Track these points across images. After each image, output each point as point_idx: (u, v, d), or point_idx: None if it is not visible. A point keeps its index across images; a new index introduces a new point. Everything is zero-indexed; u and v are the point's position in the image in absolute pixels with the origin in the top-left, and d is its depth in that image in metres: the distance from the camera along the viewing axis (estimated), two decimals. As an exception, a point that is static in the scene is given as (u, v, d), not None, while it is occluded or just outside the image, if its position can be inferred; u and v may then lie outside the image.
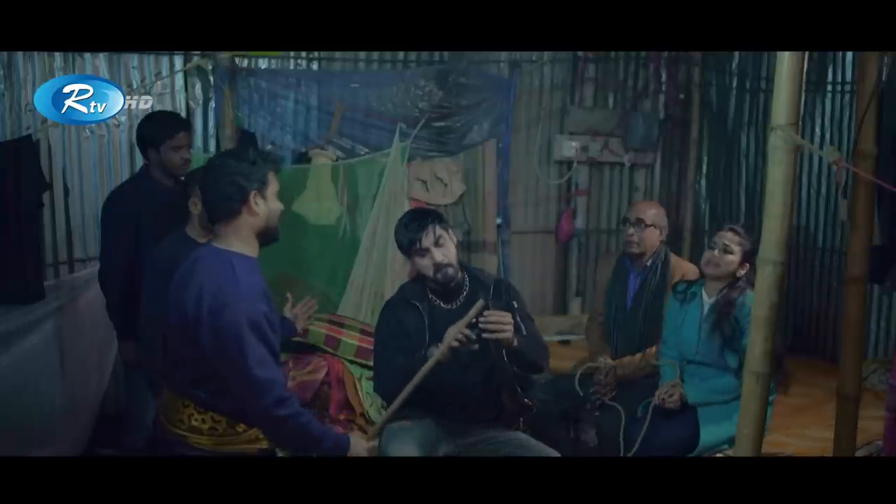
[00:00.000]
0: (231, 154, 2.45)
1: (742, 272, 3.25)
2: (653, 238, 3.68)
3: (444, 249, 2.90)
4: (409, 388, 2.59)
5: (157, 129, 3.49)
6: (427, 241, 2.88)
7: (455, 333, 2.65)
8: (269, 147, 4.77)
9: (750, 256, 3.24)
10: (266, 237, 2.40)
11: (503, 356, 2.88)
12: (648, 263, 3.68)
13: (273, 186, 2.38)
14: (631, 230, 3.67)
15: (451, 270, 2.91)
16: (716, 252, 3.27)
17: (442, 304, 2.99)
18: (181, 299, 2.30)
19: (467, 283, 3.02)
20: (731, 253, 3.25)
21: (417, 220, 2.92)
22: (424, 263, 2.91)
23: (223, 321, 2.21)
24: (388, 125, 4.75)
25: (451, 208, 5.13)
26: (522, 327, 2.87)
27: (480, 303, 2.70)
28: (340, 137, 4.83)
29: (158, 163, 3.51)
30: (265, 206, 2.35)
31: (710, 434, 3.22)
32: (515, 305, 2.96)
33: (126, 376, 3.83)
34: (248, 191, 2.31)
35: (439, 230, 2.90)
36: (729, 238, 3.27)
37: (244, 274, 2.28)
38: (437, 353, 2.63)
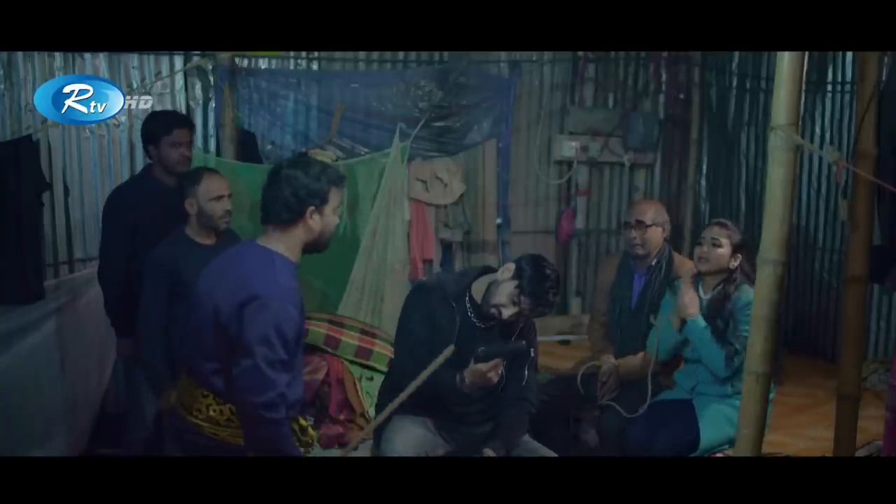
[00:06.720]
0: (297, 165, 2.34)
1: (734, 263, 3.26)
2: (656, 237, 3.65)
3: (513, 311, 2.86)
4: (409, 389, 2.57)
5: (155, 126, 3.48)
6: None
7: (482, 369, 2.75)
8: (269, 147, 4.77)
9: (740, 248, 3.25)
10: (313, 248, 2.39)
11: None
12: (653, 263, 3.65)
13: (333, 202, 2.35)
14: (633, 233, 3.62)
15: (497, 316, 2.88)
16: (704, 247, 3.28)
17: (475, 319, 2.96)
18: (213, 290, 2.29)
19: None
20: (719, 246, 3.26)
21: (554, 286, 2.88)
22: (501, 300, 2.85)
23: (253, 314, 2.20)
24: (388, 125, 4.75)
25: (451, 208, 5.14)
26: (526, 374, 3.00)
27: (522, 345, 2.90)
28: (340, 137, 4.82)
29: (158, 160, 3.50)
30: (321, 222, 2.34)
31: (708, 436, 3.23)
32: (532, 354, 3.04)
33: (126, 376, 3.82)
34: (307, 206, 2.30)
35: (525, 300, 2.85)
36: (716, 232, 3.28)
37: (283, 276, 2.28)
38: (440, 358, 2.57)
